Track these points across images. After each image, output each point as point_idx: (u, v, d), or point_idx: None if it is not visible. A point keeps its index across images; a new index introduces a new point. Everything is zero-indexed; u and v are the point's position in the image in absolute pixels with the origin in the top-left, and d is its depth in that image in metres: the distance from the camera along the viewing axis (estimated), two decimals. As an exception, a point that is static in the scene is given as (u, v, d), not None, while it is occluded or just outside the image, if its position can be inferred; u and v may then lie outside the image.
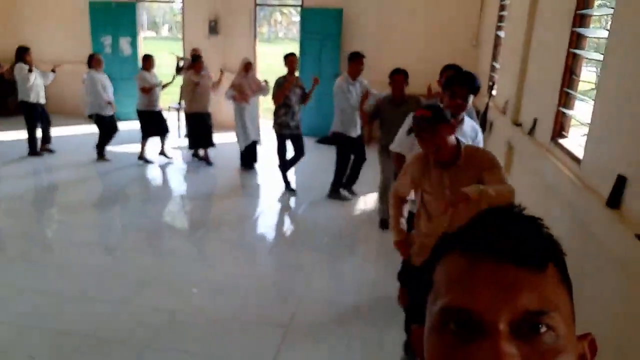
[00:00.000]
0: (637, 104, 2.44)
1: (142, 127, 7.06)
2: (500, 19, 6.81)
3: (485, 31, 7.92)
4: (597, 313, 2.53)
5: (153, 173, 7.05)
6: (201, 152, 7.18)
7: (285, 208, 5.94)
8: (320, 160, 7.02)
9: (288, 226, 5.56)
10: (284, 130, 5.93)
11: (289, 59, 5.91)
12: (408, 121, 3.26)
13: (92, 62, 6.94)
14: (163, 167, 7.18)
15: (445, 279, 0.57)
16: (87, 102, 6.97)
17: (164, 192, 6.62)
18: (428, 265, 0.62)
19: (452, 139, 2.43)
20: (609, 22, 3.01)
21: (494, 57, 6.94)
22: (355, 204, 5.90)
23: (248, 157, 6.95)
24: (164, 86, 7.06)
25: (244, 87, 6.49)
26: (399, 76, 4.82)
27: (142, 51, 9.22)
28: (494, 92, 6.33)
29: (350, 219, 5.58)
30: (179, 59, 8.34)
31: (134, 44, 9.38)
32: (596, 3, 3.64)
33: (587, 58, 3.59)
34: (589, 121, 3.08)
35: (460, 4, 8.28)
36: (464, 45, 8.19)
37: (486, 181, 2.37)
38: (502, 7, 6.80)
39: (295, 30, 28.31)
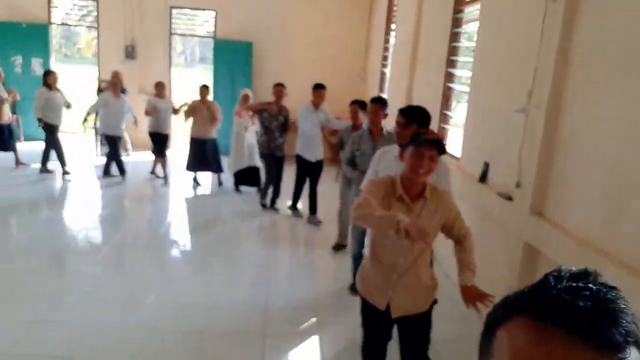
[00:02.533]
0: (489, 119, 4.07)
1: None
2: (385, 57, 8.59)
3: (370, 66, 9.69)
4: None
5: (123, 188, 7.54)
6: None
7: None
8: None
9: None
10: (263, 150, 6.48)
11: (276, 89, 6.36)
12: (376, 159, 3.39)
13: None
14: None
15: (510, 352, 0.53)
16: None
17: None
18: (486, 330, 0.58)
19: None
20: (472, 64, 4.68)
21: (380, 89, 8.68)
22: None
23: (241, 179, 7.38)
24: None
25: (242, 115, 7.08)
26: (354, 106, 5.15)
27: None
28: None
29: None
30: (100, 81, 8.90)
31: (45, 65, 9.64)
32: (461, 49, 5.35)
33: (457, 90, 5.29)
34: (462, 134, 4.72)
35: (349, 41, 9.99)
36: (352, 77, 9.87)
37: (452, 227, 2.40)
38: (385, 49, 8.59)
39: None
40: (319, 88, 6.05)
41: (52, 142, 7.54)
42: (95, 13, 9.78)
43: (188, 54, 37.90)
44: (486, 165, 4.13)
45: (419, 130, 2.71)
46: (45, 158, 7.61)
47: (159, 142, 7.59)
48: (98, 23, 9.81)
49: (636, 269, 2.36)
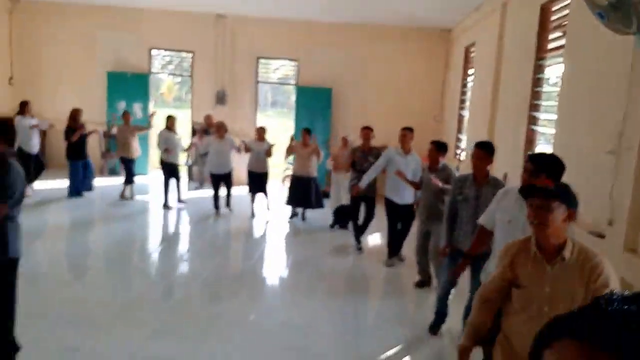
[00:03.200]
0: (576, 160, 4.21)
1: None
2: (462, 101, 8.85)
3: (447, 109, 9.96)
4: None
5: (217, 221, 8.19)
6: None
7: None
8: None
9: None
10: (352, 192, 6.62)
11: (363, 131, 6.71)
12: (498, 197, 3.27)
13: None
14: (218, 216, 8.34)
15: None
16: None
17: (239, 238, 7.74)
18: (534, 351, 0.58)
19: (564, 227, 2.11)
20: (557, 107, 4.85)
21: (459, 131, 8.90)
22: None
23: (342, 217, 7.74)
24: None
25: (340, 158, 7.75)
26: (432, 149, 5.19)
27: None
28: (462, 158, 8.21)
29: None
30: (194, 124, 9.75)
31: (145, 109, 10.67)
32: (544, 93, 5.52)
33: (542, 132, 5.44)
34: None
35: (425, 86, 10.35)
36: (428, 119, 10.15)
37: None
38: (463, 92, 8.86)
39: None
40: (406, 130, 6.03)
41: (169, 179, 8.32)
42: (188, 63, 10.80)
43: (262, 98, 39.82)
44: (574, 205, 4.23)
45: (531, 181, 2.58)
46: (166, 194, 8.33)
47: (257, 180, 8.14)
48: (192, 72, 10.80)
49: None
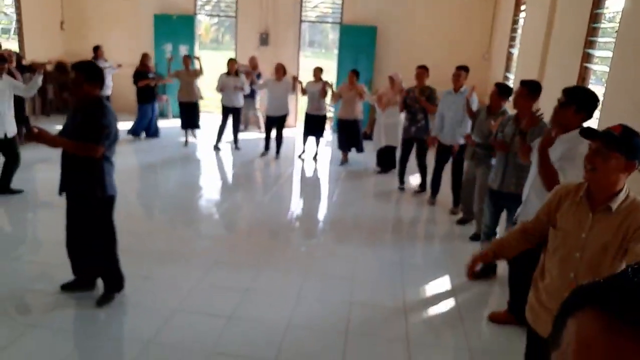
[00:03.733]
0: (631, 98, 4.16)
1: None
2: (512, 38, 8.59)
3: (496, 47, 9.69)
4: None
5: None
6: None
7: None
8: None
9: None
10: (405, 135, 6.72)
11: (419, 71, 6.55)
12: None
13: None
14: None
15: (577, 342, 0.51)
16: None
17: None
18: (558, 318, 0.56)
19: (619, 178, 1.97)
20: (614, 48, 4.73)
21: (507, 69, 8.70)
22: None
23: (383, 160, 7.72)
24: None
25: (384, 97, 7.46)
26: (494, 92, 5.01)
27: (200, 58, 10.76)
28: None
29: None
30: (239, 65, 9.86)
31: (191, 51, 10.83)
32: (601, 29, 5.36)
33: (595, 71, 5.32)
34: (598, 115, 4.79)
35: (473, 24, 10.05)
36: (476, 58, 9.91)
37: (624, 247, 1.95)
38: (513, 30, 8.58)
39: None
40: (460, 70, 5.99)
41: (225, 121, 8.61)
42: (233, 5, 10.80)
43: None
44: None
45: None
46: (219, 135, 8.64)
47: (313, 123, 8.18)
48: (237, 13, 10.80)
49: None
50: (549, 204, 2.21)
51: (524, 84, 4.00)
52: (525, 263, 3.17)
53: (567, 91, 2.94)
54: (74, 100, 3.35)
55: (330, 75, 10.52)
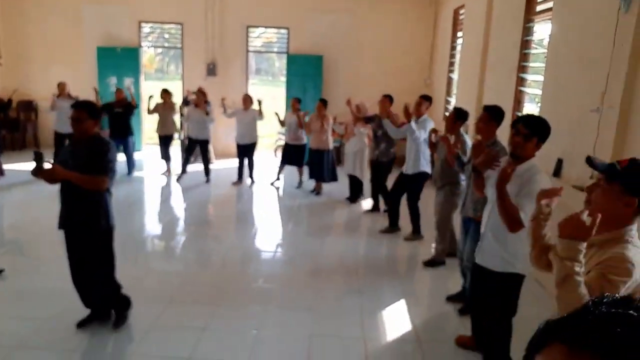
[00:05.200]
0: (562, 119, 4.44)
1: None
2: (451, 63, 9.00)
3: (436, 72, 10.10)
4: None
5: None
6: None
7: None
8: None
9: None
10: (370, 156, 6.88)
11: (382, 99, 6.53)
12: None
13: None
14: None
15: None
16: None
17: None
18: (527, 355, 0.59)
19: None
20: (544, 71, 5.05)
21: (448, 93, 9.08)
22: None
23: (351, 189, 7.68)
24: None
25: (349, 127, 7.61)
26: (450, 117, 4.96)
27: (144, 89, 10.63)
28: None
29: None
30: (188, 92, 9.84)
31: (136, 84, 10.69)
32: (532, 55, 5.71)
33: (529, 93, 5.65)
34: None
35: (414, 51, 10.46)
36: (419, 83, 10.28)
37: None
38: (452, 55, 8.99)
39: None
40: (421, 98, 6.03)
41: (190, 152, 8.73)
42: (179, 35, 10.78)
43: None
44: (559, 161, 4.50)
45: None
46: (183, 167, 8.70)
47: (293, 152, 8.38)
48: (182, 44, 10.78)
49: None
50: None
51: (487, 109, 3.91)
52: (484, 293, 3.26)
53: (528, 123, 2.86)
54: (74, 137, 3.57)
55: (279, 103, 10.64)
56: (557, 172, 4.52)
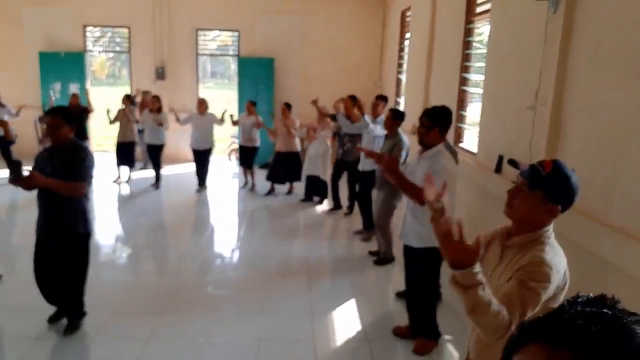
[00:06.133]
0: (502, 116, 4.59)
1: None
2: (400, 65, 9.15)
3: (386, 73, 10.25)
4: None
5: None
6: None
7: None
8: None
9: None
10: (336, 157, 6.97)
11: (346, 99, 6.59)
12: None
13: None
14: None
15: None
16: None
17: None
18: (504, 356, 0.59)
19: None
20: (484, 71, 5.20)
21: (397, 94, 9.22)
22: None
23: (309, 189, 7.82)
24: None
25: (311, 130, 7.73)
26: (388, 116, 5.23)
27: (91, 95, 10.32)
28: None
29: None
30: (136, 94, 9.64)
31: (82, 89, 10.35)
32: (473, 56, 5.87)
33: (472, 92, 5.81)
34: (477, 132, 5.23)
35: (364, 52, 10.57)
36: (369, 84, 10.39)
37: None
38: (400, 57, 9.14)
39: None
40: (377, 99, 6.36)
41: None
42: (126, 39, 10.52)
43: (200, 69, 38.82)
44: (500, 158, 4.64)
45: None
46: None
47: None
48: (130, 48, 10.53)
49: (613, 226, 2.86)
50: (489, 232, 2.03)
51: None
52: (419, 284, 3.49)
53: (430, 115, 3.37)
54: (51, 143, 3.51)
55: (232, 105, 10.55)
56: (498, 169, 4.65)
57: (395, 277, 4.99)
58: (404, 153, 5.06)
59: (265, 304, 4.41)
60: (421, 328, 3.69)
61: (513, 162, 1.92)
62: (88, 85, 10.64)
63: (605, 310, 0.53)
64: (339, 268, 5.44)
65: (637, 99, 2.92)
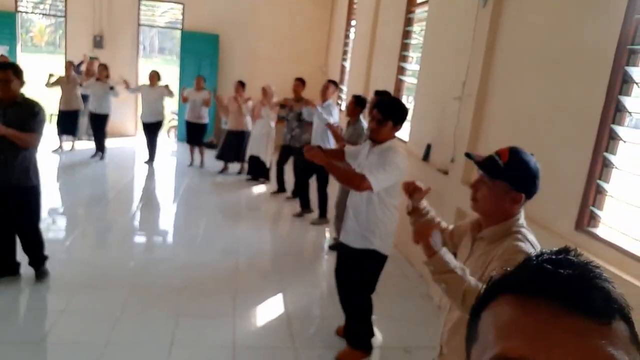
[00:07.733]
0: (432, 106, 4.70)
1: None
2: (345, 52, 9.18)
3: (331, 59, 10.27)
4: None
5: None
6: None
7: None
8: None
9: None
10: (282, 141, 6.86)
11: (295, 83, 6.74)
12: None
13: None
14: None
15: (495, 327, 0.53)
16: None
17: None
18: (472, 315, 0.58)
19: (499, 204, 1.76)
20: (419, 61, 5.31)
21: (341, 81, 9.26)
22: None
23: (253, 168, 7.82)
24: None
25: (256, 109, 7.58)
26: (351, 102, 5.24)
27: (20, 61, 9.72)
28: (342, 107, 8.60)
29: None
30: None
31: (12, 53, 9.76)
32: (412, 45, 5.98)
33: (407, 82, 5.92)
34: (409, 121, 5.34)
35: (311, 36, 10.52)
36: (315, 70, 10.38)
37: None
38: (346, 43, 9.18)
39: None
40: (328, 82, 6.30)
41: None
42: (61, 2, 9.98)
43: (147, 44, 37.67)
44: (428, 147, 4.77)
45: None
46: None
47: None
48: (66, 12, 10.00)
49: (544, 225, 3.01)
50: (463, 229, 2.09)
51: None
52: (345, 270, 3.37)
53: (382, 109, 3.07)
54: (2, 98, 3.53)
55: (173, 80, 10.24)
56: (426, 157, 4.78)
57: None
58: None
59: (236, 304, 4.01)
60: (351, 336, 3.43)
61: (468, 155, 1.90)
62: (18, 49, 10.02)
63: (570, 257, 0.54)
64: (293, 253, 5.35)
65: (552, 96, 3.07)
